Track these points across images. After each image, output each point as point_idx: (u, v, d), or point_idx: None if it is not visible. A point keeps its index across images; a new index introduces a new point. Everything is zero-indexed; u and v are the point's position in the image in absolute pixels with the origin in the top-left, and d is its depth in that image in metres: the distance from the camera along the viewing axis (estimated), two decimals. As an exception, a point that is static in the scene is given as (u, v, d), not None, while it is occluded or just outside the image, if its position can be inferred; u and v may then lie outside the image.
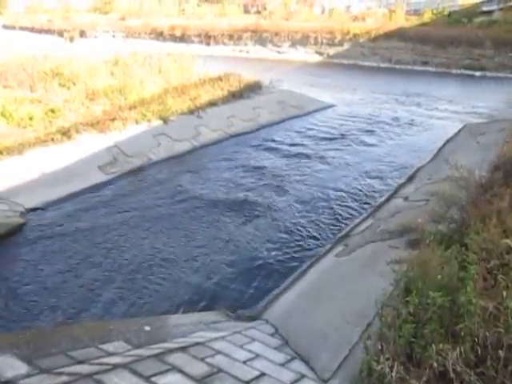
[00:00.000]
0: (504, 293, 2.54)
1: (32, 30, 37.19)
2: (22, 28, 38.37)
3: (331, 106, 13.32)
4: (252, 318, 3.79)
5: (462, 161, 5.39)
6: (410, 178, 7.31)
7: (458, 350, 2.32)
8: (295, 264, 4.90)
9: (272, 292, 4.27)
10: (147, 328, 3.27)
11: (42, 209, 6.06)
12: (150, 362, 2.58)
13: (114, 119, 8.57)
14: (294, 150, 9.13)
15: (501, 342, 2.34)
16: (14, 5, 48.48)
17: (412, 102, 14.30)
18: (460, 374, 2.26)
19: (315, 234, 5.66)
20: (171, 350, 2.77)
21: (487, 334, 2.38)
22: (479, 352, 2.35)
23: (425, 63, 22.46)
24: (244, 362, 2.83)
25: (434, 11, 29.22)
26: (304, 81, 16.88)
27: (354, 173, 7.87)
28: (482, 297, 2.56)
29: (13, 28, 38.83)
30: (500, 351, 2.28)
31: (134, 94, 9.78)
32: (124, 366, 2.48)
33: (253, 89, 12.44)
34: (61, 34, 33.49)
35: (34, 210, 5.99)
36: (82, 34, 33.33)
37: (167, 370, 2.53)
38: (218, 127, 9.91)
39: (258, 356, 2.97)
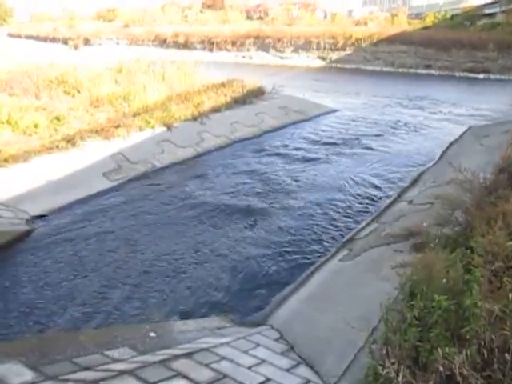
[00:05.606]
0: (510, 295, 2.51)
1: (37, 38, 37.70)
2: (27, 36, 38.90)
3: (334, 111, 13.32)
4: (257, 324, 3.78)
5: (466, 163, 5.38)
6: (414, 181, 7.29)
7: (464, 353, 2.30)
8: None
9: (276, 297, 4.26)
10: (152, 334, 3.28)
11: (48, 216, 6.09)
12: (155, 369, 2.58)
13: (118, 126, 8.62)
14: (297, 154, 9.13)
15: (507, 345, 2.32)
16: (20, 13, 49.17)
17: (415, 106, 14.30)
18: (467, 377, 2.24)
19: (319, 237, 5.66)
20: (176, 356, 2.77)
21: (493, 336, 2.36)
22: (486, 355, 2.33)
23: (428, 66, 22.44)
24: (249, 368, 2.82)
25: (437, 14, 29.30)
26: (307, 86, 16.91)
27: (359, 177, 7.85)
28: (487, 300, 2.54)
29: (18, 36, 39.39)
30: (507, 354, 2.26)
31: (137, 100, 9.84)
32: (129, 372, 2.48)
33: (256, 94, 12.47)
34: (65, 42, 33.92)
35: (39, 217, 6.02)
36: (87, 41, 33.73)
37: (172, 376, 2.53)
38: (221, 133, 9.94)
39: (263, 361, 2.97)
